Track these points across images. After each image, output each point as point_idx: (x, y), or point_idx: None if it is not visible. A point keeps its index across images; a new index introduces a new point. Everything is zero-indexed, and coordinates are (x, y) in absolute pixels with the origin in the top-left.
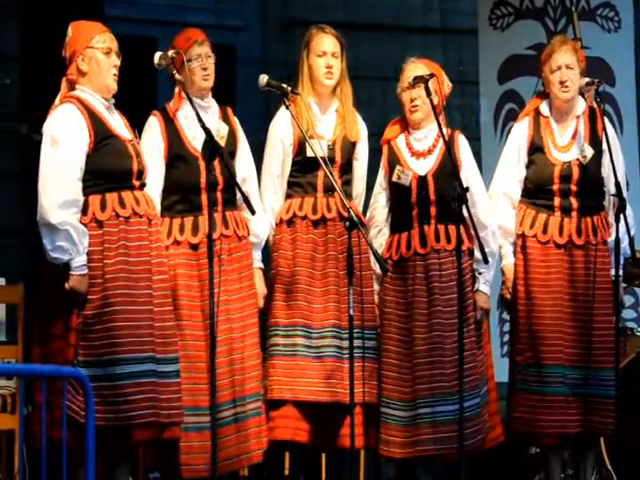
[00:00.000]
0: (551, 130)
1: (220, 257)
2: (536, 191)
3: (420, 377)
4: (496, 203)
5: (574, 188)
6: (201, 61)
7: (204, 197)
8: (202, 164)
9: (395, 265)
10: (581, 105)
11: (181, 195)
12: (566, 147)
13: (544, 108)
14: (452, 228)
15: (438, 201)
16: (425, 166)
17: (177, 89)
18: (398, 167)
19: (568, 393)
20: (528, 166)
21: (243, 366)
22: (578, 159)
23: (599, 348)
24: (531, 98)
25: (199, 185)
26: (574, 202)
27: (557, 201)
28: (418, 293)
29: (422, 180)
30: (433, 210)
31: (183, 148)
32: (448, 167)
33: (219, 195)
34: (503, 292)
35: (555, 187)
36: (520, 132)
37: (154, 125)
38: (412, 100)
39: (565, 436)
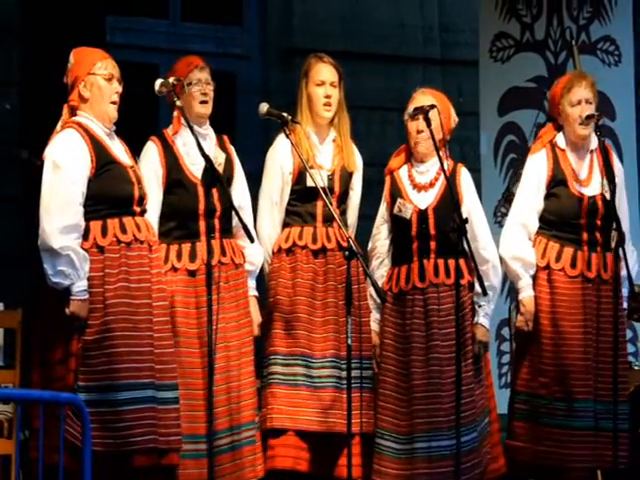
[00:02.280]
0: (570, 163)
1: (218, 284)
2: (560, 224)
3: (417, 411)
4: (514, 235)
5: (599, 223)
6: (201, 86)
7: (202, 224)
8: (201, 190)
9: (394, 298)
10: (594, 140)
11: (179, 221)
12: (586, 181)
13: (560, 140)
14: (452, 262)
15: (438, 235)
16: (426, 200)
17: (176, 114)
18: (399, 200)
19: (597, 427)
20: (548, 198)
21: (239, 394)
22: (602, 193)
23: (609, 382)
24: (533, 130)
25: (197, 211)
26: (599, 237)
27: (585, 236)
28: (416, 327)
29: (422, 214)
30: (433, 244)
31: (182, 174)
32: (449, 201)
33: (217, 222)
34: (519, 324)
35: (582, 221)
36: (539, 164)
37: (152, 151)
38: (418, 132)
39: (597, 470)
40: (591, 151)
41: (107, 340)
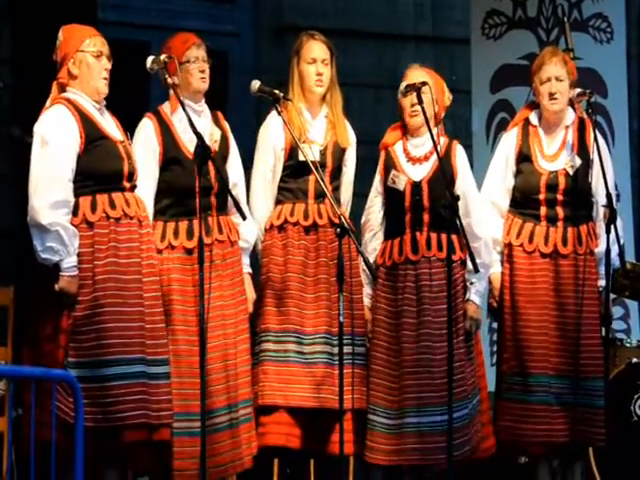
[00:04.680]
0: (539, 139)
1: (213, 262)
2: (523, 200)
3: (407, 386)
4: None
5: (560, 197)
6: (199, 63)
7: (198, 201)
8: (195, 168)
9: (387, 272)
10: (570, 115)
11: (175, 198)
12: (553, 156)
13: (533, 118)
14: (445, 237)
15: (431, 208)
16: (420, 172)
17: (172, 92)
18: (393, 171)
19: (554, 402)
20: (516, 175)
21: (236, 372)
22: (565, 169)
23: (586, 358)
24: (522, 108)
25: (194, 189)
26: (560, 212)
27: (543, 210)
28: (407, 302)
29: (416, 186)
30: (426, 217)
31: (179, 151)
32: (447, 174)
33: (213, 200)
34: (490, 301)
35: (541, 196)
36: (508, 142)
37: (148, 127)
38: (412, 105)
39: (552, 445)
40: (567, 127)
41: (96, 316)
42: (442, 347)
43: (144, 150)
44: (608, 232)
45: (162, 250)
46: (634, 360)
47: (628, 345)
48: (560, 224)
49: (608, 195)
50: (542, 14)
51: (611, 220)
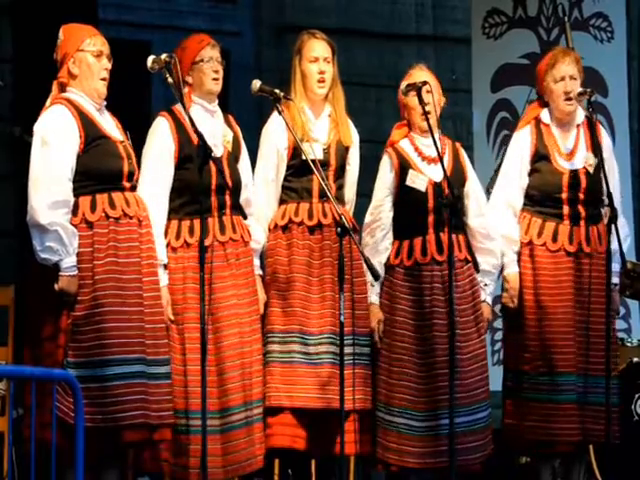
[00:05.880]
0: (554, 138)
1: (228, 261)
2: (542, 199)
3: (441, 388)
4: (499, 212)
5: (582, 196)
6: (213, 64)
7: (214, 199)
8: (213, 166)
9: (406, 272)
10: (580, 114)
11: (190, 197)
12: (570, 155)
13: (545, 116)
14: (461, 237)
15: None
16: (438, 172)
17: (186, 90)
18: (411, 171)
19: (581, 401)
20: (531, 174)
21: (251, 370)
22: (585, 167)
23: (600, 356)
24: (525, 106)
25: (210, 187)
26: (582, 210)
27: (566, 209)
28: (436, 303)
29: (438, 186)
30: (447, 217)
31: (194, 149)
32: (459, 175)
33: (227, 199)
34: (504, 300)
35: (564, 195)
36: (523, 140)
37: (163, 126)
38: (427, 104)
39: (578, 444)
40: (577, 125)
41: (96, 316)
42: (467, 347)
43: (159, 148)
44: (609, 231)
45: (177, 248)
46: (635, 359)
47: (629, 344)
48: (582, 223)
49: (609, 194)
50: (542, 13)
51: (612, 219)
